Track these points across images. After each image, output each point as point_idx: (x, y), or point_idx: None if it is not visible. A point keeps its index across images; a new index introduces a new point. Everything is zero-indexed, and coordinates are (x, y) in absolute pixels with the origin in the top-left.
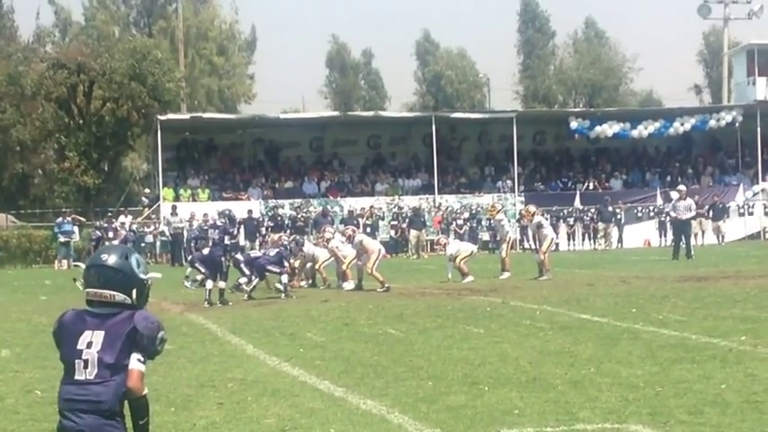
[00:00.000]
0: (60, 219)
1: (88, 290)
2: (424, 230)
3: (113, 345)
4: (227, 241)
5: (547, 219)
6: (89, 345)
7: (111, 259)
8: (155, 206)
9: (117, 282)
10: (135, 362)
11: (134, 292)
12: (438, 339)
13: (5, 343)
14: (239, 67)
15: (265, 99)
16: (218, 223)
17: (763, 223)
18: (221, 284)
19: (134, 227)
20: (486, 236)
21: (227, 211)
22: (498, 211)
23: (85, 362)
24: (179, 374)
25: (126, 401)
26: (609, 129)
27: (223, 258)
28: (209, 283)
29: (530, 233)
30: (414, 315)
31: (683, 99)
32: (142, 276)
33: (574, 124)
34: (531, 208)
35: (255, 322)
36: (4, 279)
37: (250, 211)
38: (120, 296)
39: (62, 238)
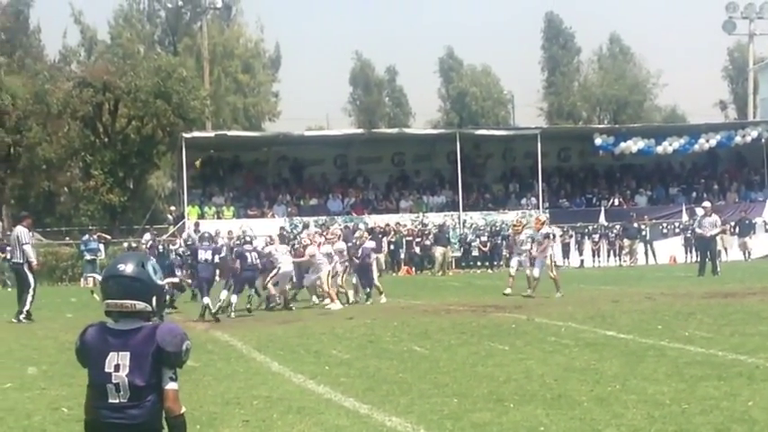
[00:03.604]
0: (86, 236)
1: (108, 301)
2: (449, 247)
3: (141, 367)
4: (216, 260)
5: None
6: (117, 368)
7: (129, 268)
8: (180, 224)
9: (136, 290)
10: (168, 381)
11: (154, 299)
12: (463, 356)
13: (32, 360)
14: (264, 85)
15: (290, 117)
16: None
17: None
18: (205, 300)
19: (159, 245)
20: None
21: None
22: (524, 227)
23: (116, 386)
24: (204, 392)
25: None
26: (633, 145)
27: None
28: (206, 300)
29: (526, 245)
30: (438, 332)
31: (708, 115)
32: (160, 282)
33: (598, 141)
34: (542, 217)
35: (281, 339)
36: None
37: (282, 228)
38: (140, 305)
39: (88, 256)
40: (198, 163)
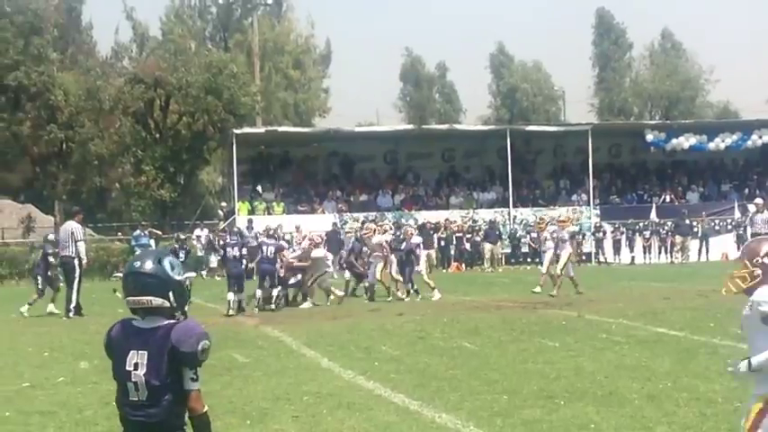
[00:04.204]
0: (137, 231)
1: (128, 298)
2: (499, 243)
3: (158, 367)
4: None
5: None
6: (136, 366)
7: (146, 265)
8: (230, 219)
9: (153, 287)
10: (189, 382)
11: (171, 294)
12: (513, 353)
13: (84, 355)
14: (314, 81)
15: (340, 113)
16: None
17: None
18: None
19: (213, 240)
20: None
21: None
22: (547, 224)
23: (135, 384)
24: (254, 387)
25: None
26: (685, 141)
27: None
28: (231, 295)
29: (549, 242)
30: (488, 329)
31: (761, 111)
32: (178, 278)
33: (650, 137)
34: (568, 215)
35: (330, 335)
36: (81, 292)
37: (335, 224)
38: (157, 300)
39: (139, 252)
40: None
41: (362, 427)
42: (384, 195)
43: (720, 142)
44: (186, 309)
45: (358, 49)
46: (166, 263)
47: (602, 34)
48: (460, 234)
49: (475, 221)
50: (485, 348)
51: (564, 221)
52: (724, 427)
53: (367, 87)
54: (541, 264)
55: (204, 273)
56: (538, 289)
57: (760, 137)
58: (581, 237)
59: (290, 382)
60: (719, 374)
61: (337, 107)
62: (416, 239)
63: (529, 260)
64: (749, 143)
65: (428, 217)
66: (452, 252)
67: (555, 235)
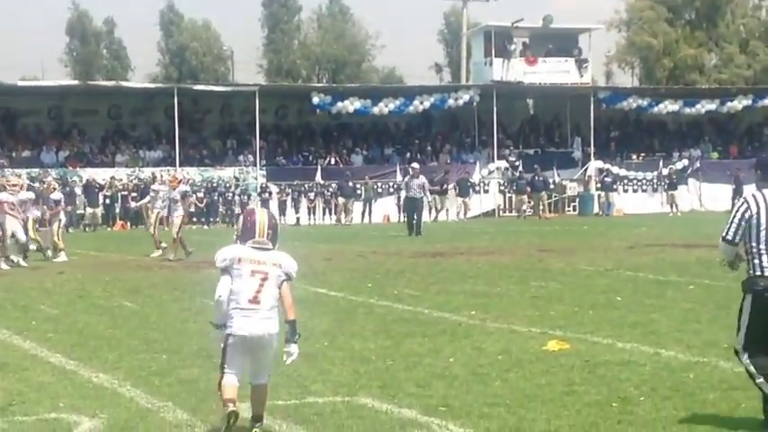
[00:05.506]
0: None
1: None
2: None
3: None
4: None
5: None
6: None
7: None
8: None
9: None
10: None
11: None
12: (174, 312)
13: None
14: None
15: (3, 65)
16: None
17: (498, 201)
18: None
19: None
20: None
21: None
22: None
23: None
24: None
25: None
26: (350, 105)
27: None
28: None
29: (159, 203)
30: (150, 288)
31: (424, 77)
32: None
33: (316, 99)
34: (179, 175)
35: None
36: None
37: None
38: None
39: None
40: None
41: (15, 388)
42: (48, 152)
43: (384, 107)
44: None
45: (21, 0)
46: None
47: None
48: (126, 192)
49: (141, 179)
50: (146, 308)
51: (178, 180)
52: (376, 384)
53: (31, 40)
54: (214, 222)
55: None
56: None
57: (422, 102)
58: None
59: None
60: (375, 334)
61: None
62: (56, 195)
63: (195, 219)
64: (411, 108)
65: (93, 174)
66: (118, 210)
67: (166, 195)
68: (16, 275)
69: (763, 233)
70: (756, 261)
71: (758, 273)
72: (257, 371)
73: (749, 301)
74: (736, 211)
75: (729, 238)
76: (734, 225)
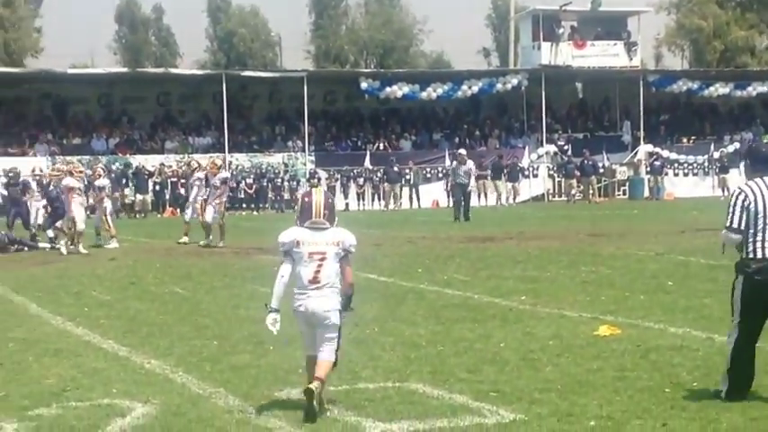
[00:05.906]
0: None
1: None
2: None
3: None
4: None
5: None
6: None
7: None
8: None
9: None
10: None
11: None
12: (225, 299)
13: None
14: (25, 20)
15: (54, 54)
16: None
17: (547, 185)
18: None
19: None
20: None
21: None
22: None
23: None
24: None
25: None
26: (398, 90)
27: None
28: None
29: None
30: (201, 274)
31: (471, 62)
32: None
33: (364, 85)
34: (218, 161)
35: (40, 281)
36: None
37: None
38: None
39: None
40: None
41: (69, 374)
42: (98, 139)
43: (432, 92)
44: None
45: None
46: None
47: None
48: (175, 179)
49: (190, 166)
50: (196, 294)
51: (218, 166)
52: (426, 369)
53: (81, 28)
54: (263, 208)
55: None
56: (185, 239)
57: (470, 87)
58: (234, 183)
59: None
60: (425, 319)
61: (51, 48)
62: (103, 182)
63: (245, 206)
64: (459, 93)
65: (143, 161)
66: (167, 197)
67: (203, 183)
68: (69, 262)
69: (760, 220)
70: (750, 245)
71: (750, 256)
72: (319, 345)
73: (740, 282)
74: (735, 200)
75: (735, 226)
76: (736, 213)
